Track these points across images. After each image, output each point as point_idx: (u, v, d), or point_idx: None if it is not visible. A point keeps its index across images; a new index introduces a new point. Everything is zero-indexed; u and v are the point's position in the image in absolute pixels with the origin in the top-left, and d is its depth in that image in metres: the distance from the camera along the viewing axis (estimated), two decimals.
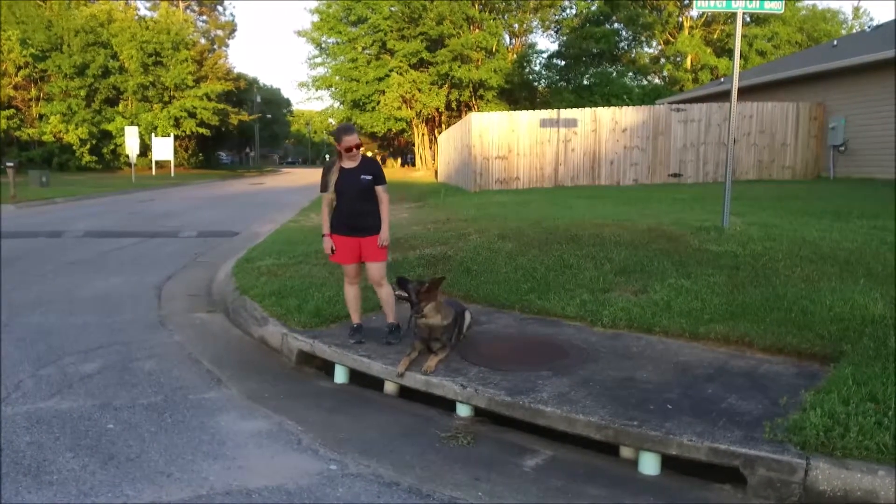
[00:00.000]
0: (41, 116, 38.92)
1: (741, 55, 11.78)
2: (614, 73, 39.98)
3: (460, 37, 37.12)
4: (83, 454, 3.32)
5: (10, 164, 19.64)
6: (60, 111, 38.23)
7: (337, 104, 43.47)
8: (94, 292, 7.11)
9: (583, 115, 17.73)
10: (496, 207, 12.04)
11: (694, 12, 41.10)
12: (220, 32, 55.17)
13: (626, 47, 43.26)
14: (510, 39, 43.62)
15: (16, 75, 37.43)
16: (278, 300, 5.77)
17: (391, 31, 38.63)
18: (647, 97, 33.33)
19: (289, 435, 3.60)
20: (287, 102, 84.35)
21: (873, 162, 15.23)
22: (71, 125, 38.11)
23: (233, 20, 64.67)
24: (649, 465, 3.21)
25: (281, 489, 2.99)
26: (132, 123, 37.88)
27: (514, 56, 41.19)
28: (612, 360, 4.27)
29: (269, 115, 67.65)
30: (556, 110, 18.28)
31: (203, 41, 49.87)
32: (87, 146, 38.85)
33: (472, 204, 13.22)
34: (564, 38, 41.76)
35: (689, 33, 41.19)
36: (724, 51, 40.79)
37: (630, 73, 41.77)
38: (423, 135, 42.43)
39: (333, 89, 42.07)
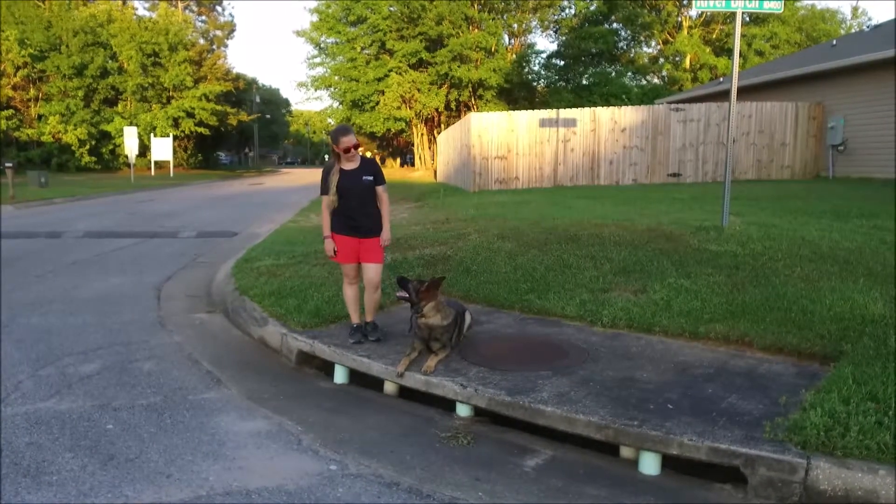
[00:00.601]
0: (40, 117, 38.81)
1: (740, 55, 11.78)
2: (613, 73, 39.98)
3: (459, 37, 37.11)
4: (83, 455, 3.32)
5: (9, 164, 19.65)
6: (59, 111, 38.15)
7: (336, 104, 43.43)
8: (94, 293, 7.10)
9: (582, 114, 17.71)
10: (495, 207, 12.04)
11: (693, 12, 41.17)
12: (218, 32, 55.08)
13: (625, 47, 43.31)
14: (509, 39, 43.64)
15: (14, 75, 37.33)
16: (278, 300, 5.77)
17: (390, 31, 38.61)
18: (646, 97, 33.35)
19: (289, 435, 3.59)
20: (286, 102, 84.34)
21: (872, 161, 15.24)
22: (70, 125, 38.03)
23: (232, 20, 64.94)
24: (649, 464, 3.21)
25: (281, 489, 2.99)
26: (131, 124, 37.85)
27: (514, 56, 41.19)
28: (612, 359, 4.26)
29: (268, 116, 67.55)
30: (555, 110, 18.25)
31: (202, 41, 49.81)
32: (86, 147, 38.76)
33: (472, 204, 13.21)
34: (563, 37, 41.76)
35: (687, 33, 41.22)
36: (723, 50, 40.79)
37: (629, 73, 41.77)
38: (422, 135, 42.41)
39: (332, 89, 42.07)
